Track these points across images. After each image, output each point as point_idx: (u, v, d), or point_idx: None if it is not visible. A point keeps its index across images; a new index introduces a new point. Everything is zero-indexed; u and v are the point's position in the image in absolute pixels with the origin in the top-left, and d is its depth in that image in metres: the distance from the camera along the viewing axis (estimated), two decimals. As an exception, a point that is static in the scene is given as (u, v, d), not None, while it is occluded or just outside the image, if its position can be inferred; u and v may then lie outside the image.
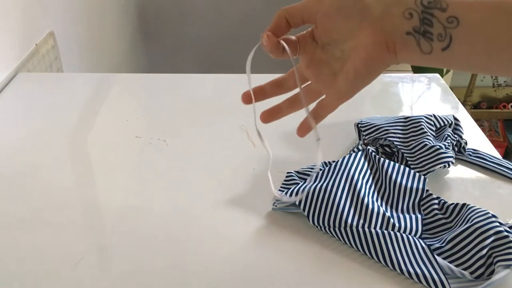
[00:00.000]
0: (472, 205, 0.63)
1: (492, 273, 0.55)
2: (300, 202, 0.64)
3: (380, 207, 0.64)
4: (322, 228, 0.63)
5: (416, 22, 0.40)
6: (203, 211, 0.68)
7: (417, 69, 1.77)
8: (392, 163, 0.70)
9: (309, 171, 0.73)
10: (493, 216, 0.59)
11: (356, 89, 0.46)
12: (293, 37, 0.49)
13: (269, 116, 0.55)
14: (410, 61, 0.43)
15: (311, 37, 0.48)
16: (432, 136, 0.76)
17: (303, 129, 0.53)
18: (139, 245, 0.63)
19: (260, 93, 0.54)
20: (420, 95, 1.01)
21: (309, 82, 0.52)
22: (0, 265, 0.60)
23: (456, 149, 0.78)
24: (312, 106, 0.53)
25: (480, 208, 0.62)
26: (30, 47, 1.12)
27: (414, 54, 0.42)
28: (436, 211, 0.65)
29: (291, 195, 0.65)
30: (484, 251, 0.56)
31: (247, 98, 0.52)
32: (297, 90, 0.53)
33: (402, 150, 0.74)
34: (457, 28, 0.40)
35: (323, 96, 0.50)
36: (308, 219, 0.64)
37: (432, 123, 0.79)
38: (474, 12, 0.40)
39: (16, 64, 1.05)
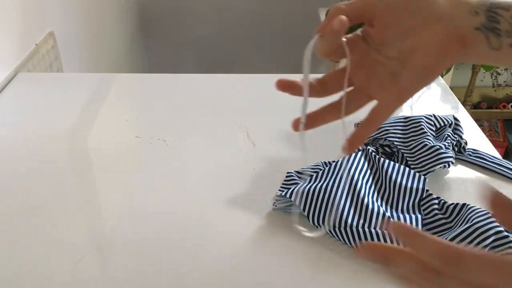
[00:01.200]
0: (472, 205, 0.63)
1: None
2: (300, 202, 0.64)
3: (380, 207, 0.64)
4: (322, 228, 0.63)
5: (482, 19, 0.40)
6: (203, 211, 0.68)
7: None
8: (392, 163, 0.70)
9: (309, 171, 0.73)
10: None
11: (421, 85, 0.44)
12: (343, 38, 0.46)
13: (307, 124, 0.49)
14: (479, 58, 0.43)
15: (360, 39, 0.46)
16: (432, 136, 0.76)
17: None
18: (139, 245, 0.63)
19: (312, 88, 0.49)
20: (420, 95, 1.01)
21: (352, 88, 0.48)
22: (0, 265, 0.60)
23: (456, 149, 0.78)
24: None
25: (480, 208, 0.61)
26: (30, 47, 1.12)
27: (483, 50, 0.41)
28: (436, 211, 0.65)
29: (291, 195, 0.65)
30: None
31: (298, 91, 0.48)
32: (334, 98, 0.49)
33: (402, 150, 0.74)
34: None
35: (374, 102, 0.48)
36: (308, 219, 0.64)
37: (432, 123, 0.79)
38: None
39: (16, 64, 1.05)
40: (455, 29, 0.41)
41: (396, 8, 0.43)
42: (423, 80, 0.43)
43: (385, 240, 0.59)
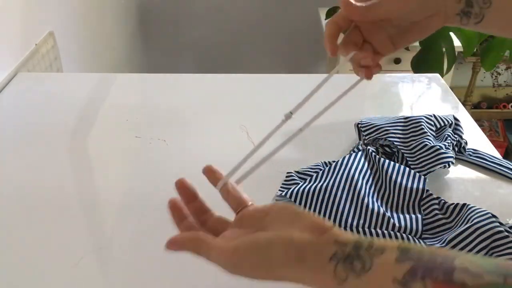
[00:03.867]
0: (472, 205, 0.63)
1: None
2: (300, 202, 0.64)
3: (380, 207, 0.64)
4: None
5: (463, 5, 0.51)
6: (203, 211, 0.68)
7: (417, 69, 1.77)
8: (392, 163, 0.70)
9: (309, 171, 0.73)
10: (493, 216, 0.59)
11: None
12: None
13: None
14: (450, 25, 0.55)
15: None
16: (432, 136, 0.76)
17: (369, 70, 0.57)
18: (139, 245, 0.63)
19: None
20: (420, 95, 1.01)
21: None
22: (0, 265, 0.60)
23: (456, 149, 0.78)
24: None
25: (480, 208, 0.61)
26: (30, 47, 1.12)
27: (455, 24, 0.53)
28: (436, 211, 0.65)
29: (291, 195, 0.65)
30: (484, 251, 0.56)
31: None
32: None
33: (402, 150, 0.74)
34: (489, 8, 0.50)
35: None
36: (308, 219, 0.63)
37: (432, 123, 0.79)
38: None
39: (16, 64, 1.05)
40: (445, 16, 0.53)
41: (415, 8, 0.53)
42: (412, 42, 0.56)
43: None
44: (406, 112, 0.94)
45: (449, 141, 0.76)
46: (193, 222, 0.50)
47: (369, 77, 0.56)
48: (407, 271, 0.35)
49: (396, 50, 0.56)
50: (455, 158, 0.77)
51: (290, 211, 0.42)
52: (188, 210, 0.51)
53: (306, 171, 0.73)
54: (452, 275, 0.33)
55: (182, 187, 0.53)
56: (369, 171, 0.70)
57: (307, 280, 0.40)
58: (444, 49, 1.72)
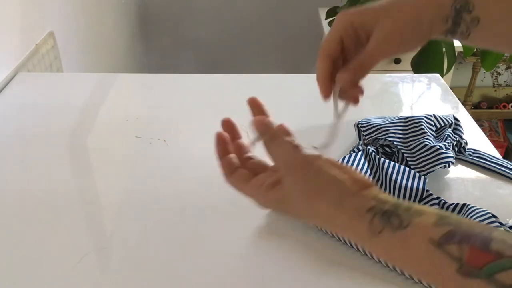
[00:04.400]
0: (472, 205, 0.63)
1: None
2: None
3: (380, 207, 0.64)
4: (322, 228, 0.63)
5: (449, 25, 0.50)
6: (203, 211, 0.68)
7: (417, 69, 1.77)
8: (392, 163, 0.70)
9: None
10: (493, 216, 0.59)
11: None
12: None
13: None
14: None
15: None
16: (432, 136, 0.76)
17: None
18: (139, 245, 0.63)
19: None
20: (420, 95, 1.01)
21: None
22: (0, 265, 0.60)
23: (456, 149, 0.78)
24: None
25: (480, 208, 0.61)
26: (30, 47, 1.12)
27: (438, 39, 0.54)
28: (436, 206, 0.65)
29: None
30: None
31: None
32: None
33: (402, 150, 0.74)
34: (476, 27, 0.49)
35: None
36: (308, 219, 0.64)
37: (432, 123, 0.79)
38: (493, 12, 0.48)
39: (16, 64, 1.05)
40: (429, 36, 0.51)
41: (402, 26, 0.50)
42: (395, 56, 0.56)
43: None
44: (406, 112, 0.94)
45: (449, 141, 0.76)
46: (235, 158, 0.51)
47: (357, 102, 0.54)
48: (444, 233, 0.35)
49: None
50: (455, 158, 0.77)
51: (337, 164, 0.44)
52: (232, 147, 0.52)
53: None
54: (489, 244, 0.34)
55: (228, 124, 0.54)
56: (369, 171, 0.70)
57: (338, 223, 0.41)
58: (444, 49, 1.72)
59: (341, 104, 0.53)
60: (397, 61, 2.04)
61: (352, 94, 0.52)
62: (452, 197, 0.70)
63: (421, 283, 0.56)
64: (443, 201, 0.66)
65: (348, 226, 0.40)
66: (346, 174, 0.43)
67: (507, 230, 0.58)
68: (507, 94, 2.72)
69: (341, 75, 0.50)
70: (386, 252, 0.39)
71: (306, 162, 0.44)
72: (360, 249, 0.60)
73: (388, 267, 0.58)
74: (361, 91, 0.52)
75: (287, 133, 0.47)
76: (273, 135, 0.47)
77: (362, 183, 0.42)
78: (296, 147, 0.45)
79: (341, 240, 0.62)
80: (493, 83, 2.66)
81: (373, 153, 0.72)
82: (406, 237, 0.37)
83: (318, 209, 0.42)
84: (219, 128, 0.54)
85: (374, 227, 0.38)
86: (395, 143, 0.75)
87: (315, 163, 0.43)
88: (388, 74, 1.10)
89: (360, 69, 0.50)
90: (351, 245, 0.61)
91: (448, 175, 0.75)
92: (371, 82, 1.08)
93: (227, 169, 0.50)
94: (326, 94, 0.52)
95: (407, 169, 0.70)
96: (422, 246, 0.36)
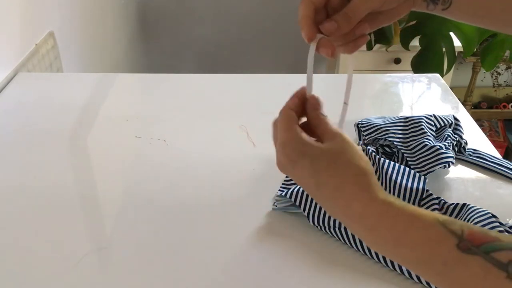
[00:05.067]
0: (472, 205, 0.63)
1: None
2: (300, 202, 0.64)
3: (380, 207, 0.64)
4: (322, 228, 0.63)
5: None
6: (203, 211, 0.68)
7: (417, 69, 1.77)
8: (392, 163, 0.70)
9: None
10: (493, 216, 0.59)
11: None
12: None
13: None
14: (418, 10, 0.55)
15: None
16: (432, 136, 0.76)
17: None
18: (139, 245, 0.63)
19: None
20: (420, 95, 1.01)
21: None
22: (0, 265, 0.60)
23: (456, 149, 0.78)
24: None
25: (480, 208, 0.61)
26: (30, 47, 1.12)
27: (421, 9, 0.54)
28: (437, 211, 0.65)
29: (291, 195, 0.65)
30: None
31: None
32: None
33: (402, 150, 0.74)
34: None
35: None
36: (308, 219, 0.64)
37: (432, 123, 0.79)
38: None
39: (16, 64, 1.05)
40: (413, 2, 0.53)
41: None
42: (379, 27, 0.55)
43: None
44: (406, 112, 0.94)
45: (449, 141, 0.76)
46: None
47: (352, 51, 0.53)
48: (450, 219, 0.39)
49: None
50: (455, 158, 0.77)
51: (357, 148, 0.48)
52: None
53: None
54: (487, 231, 0.37)
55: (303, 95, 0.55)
56: (369, 171, 0.70)
57: (347, 192, 0.43)
58: (444, 49, 1.72)
59: (341, 113, 0.55)
60: (397, 61, 2.04)
61: (357, 31, 0.51)
62: (452, 197, 0.70)
63: (421, 282, 0.56)
64: (443, 201, 0.66)
65: (356, 200, 0.42)
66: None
67: (507, 231, 0.58)
68: (507, 94, 2.72)
69: (326, 24, 0.49)
70: (394, 217, 0.41)
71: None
72: (360, 249, 0.60)
73: (388, 267, 0.58)
74: (365, 28, 0.51)
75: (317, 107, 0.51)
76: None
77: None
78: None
79: (341, 240, 0.62)
80: (493, 83, 2.66)
81: (373, 153, 0.72)
82: (415, 209, 0.40)
83: (327, 182, 0.44)
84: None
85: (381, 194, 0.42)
86: (395, 143, 0.75)
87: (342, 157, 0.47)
88: (388, 74, 1.10)
89: (345, 20, 0.49)
90: (351, 245, 0.61)
91: (448, 175, 0.75)
92: (371, 82, 1.08)
93: (293, 104, 0.53)
94: (310, 34, 0.49)
95: (407, 169, 0.70)
96: (428, 218, 0.39)
